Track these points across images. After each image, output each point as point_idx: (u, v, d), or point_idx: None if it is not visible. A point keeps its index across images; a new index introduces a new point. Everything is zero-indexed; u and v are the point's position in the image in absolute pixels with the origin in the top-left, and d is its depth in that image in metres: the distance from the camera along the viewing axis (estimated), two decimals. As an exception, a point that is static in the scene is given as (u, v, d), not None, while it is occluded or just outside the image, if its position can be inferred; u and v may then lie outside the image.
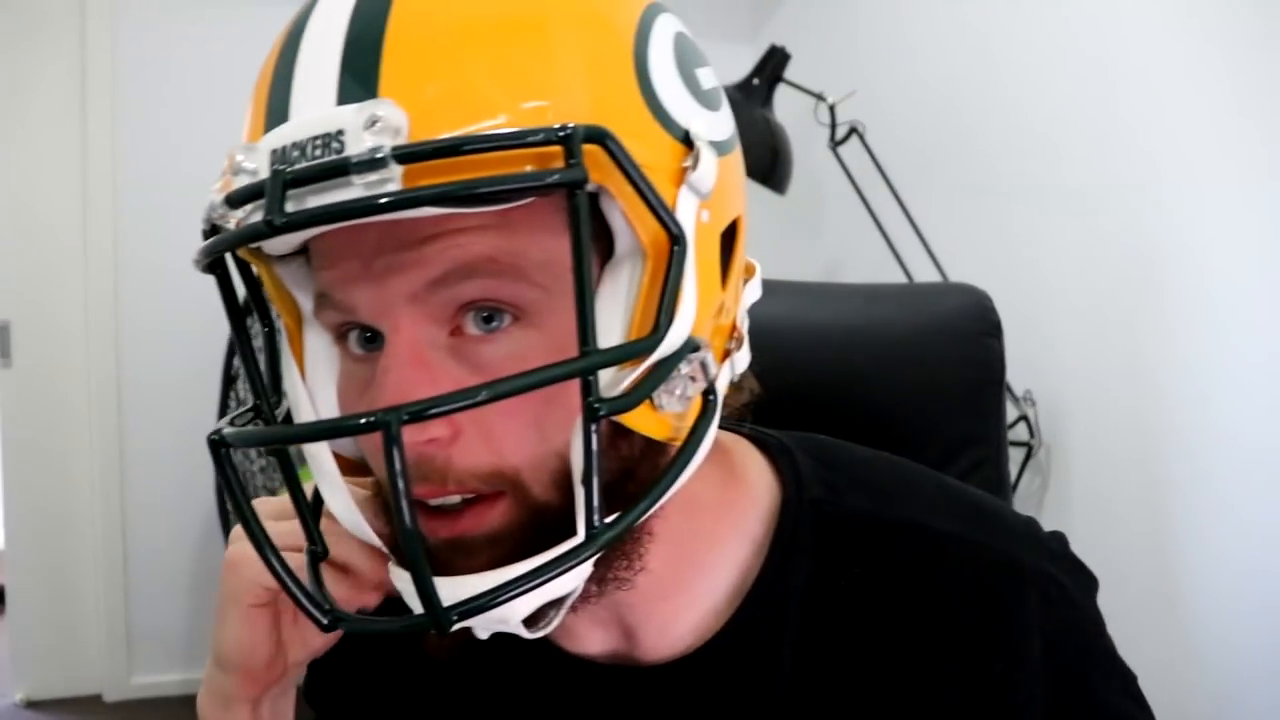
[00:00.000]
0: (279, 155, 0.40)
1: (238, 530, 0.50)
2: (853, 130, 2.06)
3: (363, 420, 0.38)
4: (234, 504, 0.45)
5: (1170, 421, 1.59)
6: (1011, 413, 1.62)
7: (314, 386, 0.49)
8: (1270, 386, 1.43)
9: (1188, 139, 1.56)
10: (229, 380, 2.41)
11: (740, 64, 2.56)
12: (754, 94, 2.13)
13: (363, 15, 0.41)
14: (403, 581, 0.43)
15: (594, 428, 0.40)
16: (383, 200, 0.38)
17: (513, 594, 0.40)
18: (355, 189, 0.38)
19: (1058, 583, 0.53)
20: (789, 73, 2.15)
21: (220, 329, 2.44)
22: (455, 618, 0.40)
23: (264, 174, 0.40)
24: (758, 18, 2.95)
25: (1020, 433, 1.81)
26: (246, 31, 2.69)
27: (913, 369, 0.87)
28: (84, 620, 2.70)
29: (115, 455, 2.67)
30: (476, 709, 0.58)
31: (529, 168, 0.39)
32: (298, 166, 0.39)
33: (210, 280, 0.45)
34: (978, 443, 0.86)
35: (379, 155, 0.37)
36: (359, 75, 0.40)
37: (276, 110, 0.42)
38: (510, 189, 0.39)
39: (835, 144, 2.08)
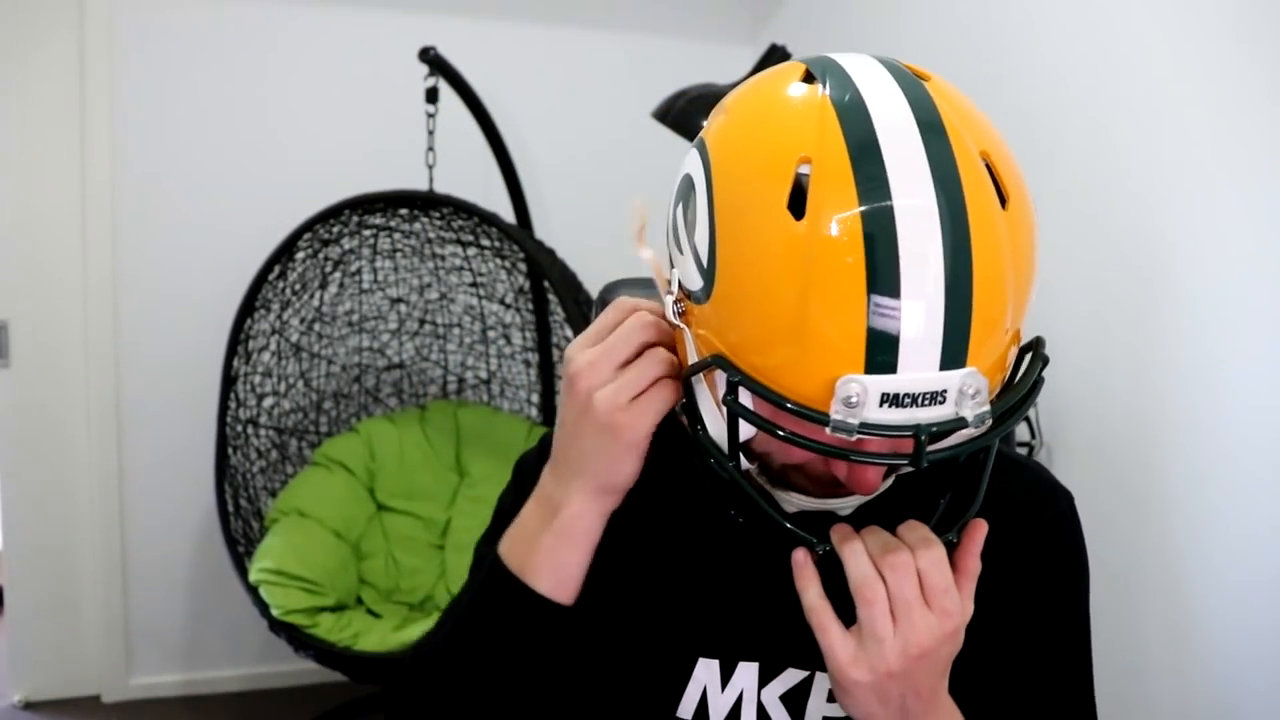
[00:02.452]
0: (888, 398, 0.56)
1: (589, 372, 0.67)
2: (855, 132, 2.07)
3: (949, 537, 0.64)
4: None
5: (1170, 421, 1.60)
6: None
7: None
8: (1270, 387, 1.44)
9: (1190, 139, 1.57)
10: (228, 381, 2.40)
11: (740, 64, 2.56)
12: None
13: (954, 305, 0.56)
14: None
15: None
16: (989, 434, 0.59)
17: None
18: (957, 435, 0.59)
19: (1072, 508, 0.81)
20: (791, 74, 2.15)
21: (219, 329, 2.44)
22: None
23: (870, 407, 0.56)
24: (758, 18, 2.96)
25: (1021, 433, 1.83)
26: (244, 32, 2.70)
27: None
28: (82, 621, 2.69)
29: (114, 456, 2.66)
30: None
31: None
32: (926, 419, 0.56)
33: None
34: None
35: (983, 411, 0.57)
36: (955, 352, 0.56)
37: (881, 362, 0.56)
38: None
39: (837, 145, 2.08)
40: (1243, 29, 1.48)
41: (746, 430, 0.65)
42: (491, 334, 2.82)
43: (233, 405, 2.41)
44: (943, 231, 0.56)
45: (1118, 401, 1.70)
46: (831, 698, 0.74)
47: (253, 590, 2.16)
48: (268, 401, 2.58)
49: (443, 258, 2.70)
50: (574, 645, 0.72)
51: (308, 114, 2.73)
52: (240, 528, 2.34)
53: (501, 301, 2.76)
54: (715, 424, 0.64)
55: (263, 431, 2.55)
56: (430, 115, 2.41)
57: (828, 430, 0.57)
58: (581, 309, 2.23)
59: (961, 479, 0.68)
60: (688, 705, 0.75)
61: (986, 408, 0.57)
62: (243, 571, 2.22)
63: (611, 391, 0.66)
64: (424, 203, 2.46)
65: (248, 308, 2.40)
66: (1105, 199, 1.73)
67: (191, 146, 2.66)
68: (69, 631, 2.68)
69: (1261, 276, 1.45)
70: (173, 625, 2.77)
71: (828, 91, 0.60)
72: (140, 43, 2.60)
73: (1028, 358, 0.64)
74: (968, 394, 0.56)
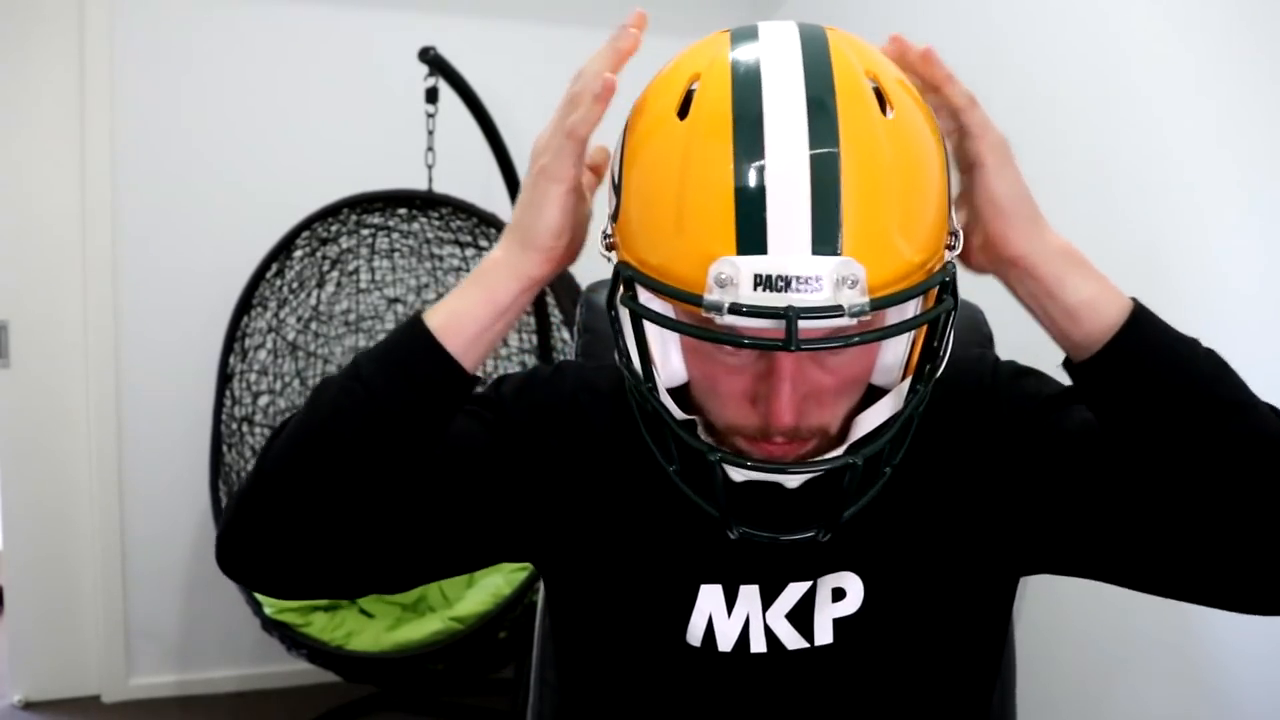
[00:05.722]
0: (761, 280, 0.57)
1: (539, 146, 0.69)
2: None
3: (847, 460, 0.63)
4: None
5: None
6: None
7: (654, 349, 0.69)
8: (1275, 385, 1.43)
9: (1193, 135, 1.55)
10: (225, 378, 2.41)
11: (740, 64, 2.55)
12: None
13: (820, 179, 0.58)
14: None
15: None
16: (872, 333, 0.60)
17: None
18: (834, 322, 0.58)
19: (993, 360, 0.82)
20: (789, 72, 2.14)
21: (217, 328, 2.44)
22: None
23: (744, 288, 0.57)
24: (757, 18, 2.95)
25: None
26: (244, 31, 2.70)
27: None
28: (82, 621, 2.69)
29: (114, 455, 2.66)
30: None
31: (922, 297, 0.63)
32: (800, 304, 0.57)
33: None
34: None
35: (861, 302, 0.57)
36: (827, 235, 0.58)
37: (751, 240, 0.58)
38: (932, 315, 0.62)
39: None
40: (1247, 22, 1.46)
41: (678, 372, 0.69)
42: (489, 335, 2.81)
43: (228, 403, 2.42)
44: (810, 122, 0.59)
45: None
46: (837, 598, 0.76)
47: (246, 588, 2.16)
48: (263, 400, 2.58)
49: (441, 258, 2.70)
50: (447, 400, 0.71)
51: (307, 113, 2.73)
52: (235, 526, 2.34)
53: (499, 302, 2.75)
54: (636, 354, 0.67)
55: (258, 430, 2.55)
56: (430, 115, 2.40)
57: (703, 312, 0.59)
58: (579, 310, 2.22)
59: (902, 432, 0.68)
60: (695, 633, 0.76)
61: (865, 299, 0.57)
62: (237, 570, 2.22)
63: (541, 144, 0.70)
64: (423, 202, 2.46)
65: (245, 305, 2.40)
66: (1107, 197, 1.72)
67: (191, 146, 2.66)
68: (69, 631, 2.68)
69: (1266, 273, 1.43)
70: (173, 625, 2.77)
71: (732, 30, 0.68)
72: (140, 43, 2.61)
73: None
74: (845, 283, 0.57)
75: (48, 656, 2.67)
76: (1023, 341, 0.85)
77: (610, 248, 0.68)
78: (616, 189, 0.67)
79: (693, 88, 0.63)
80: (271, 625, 2.11)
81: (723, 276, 0.57)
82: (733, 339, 0.60)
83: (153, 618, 2.74)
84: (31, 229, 2.58)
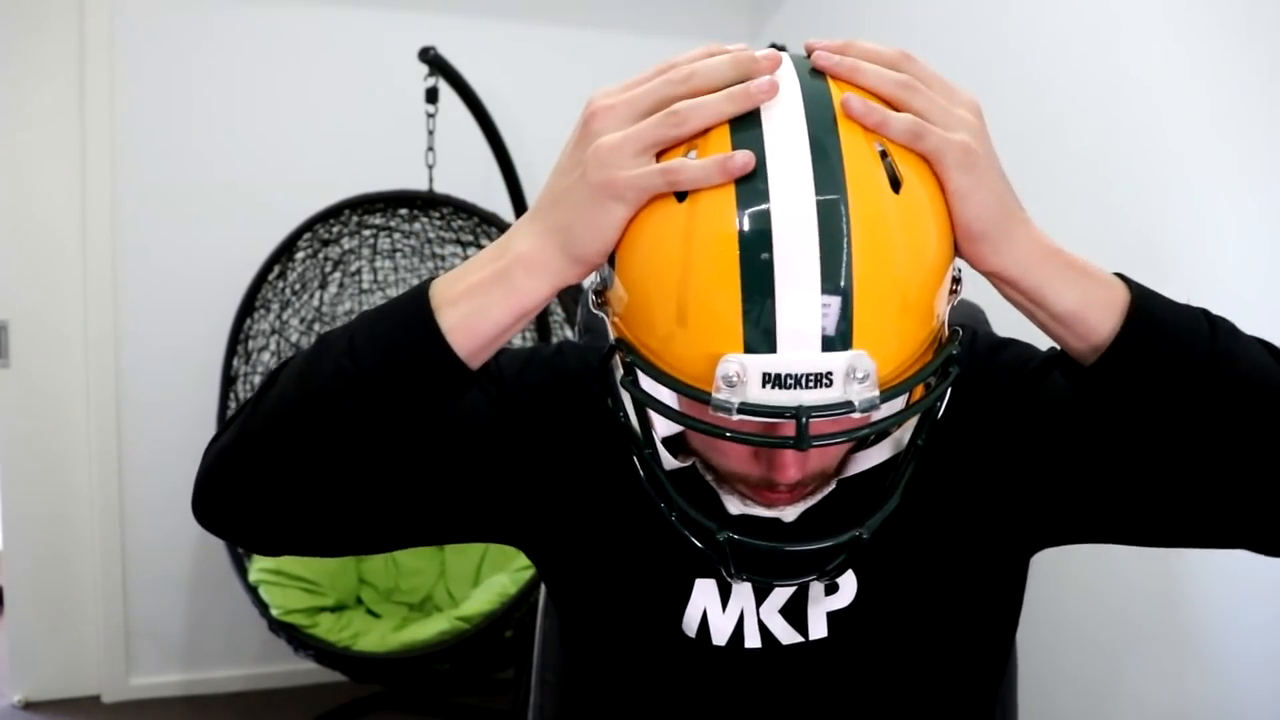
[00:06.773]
0: (770, 378, 0.55)
1: (610, 147, 0.59)
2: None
3: (854, 533, 0.63)
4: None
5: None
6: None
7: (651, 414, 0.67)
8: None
9: (1194, 133, 1.56)
10: (228, 381, 2.41)
11: (740, 64, 2.56)
12: (755, 94, 2.12)
13: (832, 276, 0.55)
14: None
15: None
16: (881, 422, 0.60)
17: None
18: (845, 417, 0.56)
19: (970, 337, 0.80)
20: (790, 73, 2.14)
21: (219, 329, 2.44)
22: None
23: (752, 387, 0.55)
24: (758, 18, 2.95)
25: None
26: (244, 31, 2.70)
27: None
28: (82, 621, 2.69)
29: (114, 456, 2.66)
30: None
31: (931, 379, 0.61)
32: (810, 401, 0.55)
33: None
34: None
35: (871, 396, 0.56)
36: (839, 332, 0.55)
37: (760, 338, 0.55)
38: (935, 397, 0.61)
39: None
40: (1252, 21, 1.47)
41: (671, 425, 0.68)
42: (490, 334, 2.81)
43: (232, 405, 2.41)
44: (819, 213, 0.55)
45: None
46: (830, 591, 0.75)
47: (252, 590, 2.16)
48: (267, 401, 2.57)
49: (443, 258, 2.70)
50: (447, 398, 0.65)
51: (308, 114, 2.73)
52: (239, 527, 2.34)
53: (501, 302, 2.76)
54: (635, 419, 0.66)
55: (262, 431, 2.55)
56: (430, 115, 2.41)
57: (710, 410, 0.57)
58: (580, 309, 2.23)
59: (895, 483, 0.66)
60: (690, 624, 0.77)
61: (875, 393, 0.56)
62: (242, 571, 2.22)
63: (618, 139, 0.58)
64: (424, 203, 2.46)
65: (247, 307, 2.40)
66: (1106, 196, 1.73)
67: (191, 146, 2.66)
68: (69, 631, 2.68)
69: (1267, 271, 1.44)
70: (173, 625, 2.77)
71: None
72: (140, 43, 2.60)
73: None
74: (855, 377, 0.55)
75: (48, 656, 2.66)
76: (1037, 336, 0.85)
77: (601, 306, 0.66)
78: (609, 259, 0.63)
79: (690, 155, 0.58)
80: (279, 626, 2.11)
81: (731, 376, 0.56)
82: (741, 438, 0.59)
83: (154, 618, 2.74)
84: (31, 229, 2.58)
